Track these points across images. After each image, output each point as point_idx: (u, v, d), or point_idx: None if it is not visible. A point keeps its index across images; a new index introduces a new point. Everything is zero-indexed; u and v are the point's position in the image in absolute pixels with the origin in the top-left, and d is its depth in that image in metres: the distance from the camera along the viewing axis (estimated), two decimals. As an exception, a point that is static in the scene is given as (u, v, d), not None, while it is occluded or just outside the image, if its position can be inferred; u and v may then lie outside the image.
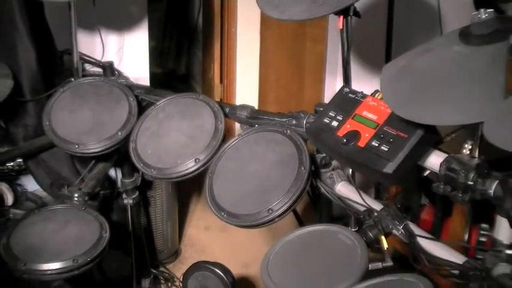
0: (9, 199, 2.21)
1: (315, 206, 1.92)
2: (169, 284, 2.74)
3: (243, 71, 4.06)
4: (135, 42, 2.67)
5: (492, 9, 1.21)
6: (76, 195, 1.94)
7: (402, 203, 2.46)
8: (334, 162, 1.75)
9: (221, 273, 1.99)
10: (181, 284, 2.65)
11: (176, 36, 5.22)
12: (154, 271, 2.65)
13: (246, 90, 3.97)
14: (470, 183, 1.27)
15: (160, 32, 5.13)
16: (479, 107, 1.10)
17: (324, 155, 1.72)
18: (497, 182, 1.23)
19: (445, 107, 1.17)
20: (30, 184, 2.41)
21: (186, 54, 5.24)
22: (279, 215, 1.53)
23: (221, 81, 4.17)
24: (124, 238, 2.51)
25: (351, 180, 1.73)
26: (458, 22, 1.41)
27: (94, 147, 1.91)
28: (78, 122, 1.95)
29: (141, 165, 1.82)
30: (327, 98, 3.09)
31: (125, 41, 2.63)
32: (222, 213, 1.60)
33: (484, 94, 1.11)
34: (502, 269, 1.19)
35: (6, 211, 2.17)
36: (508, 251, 1.21)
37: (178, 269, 2.79)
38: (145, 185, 2.65)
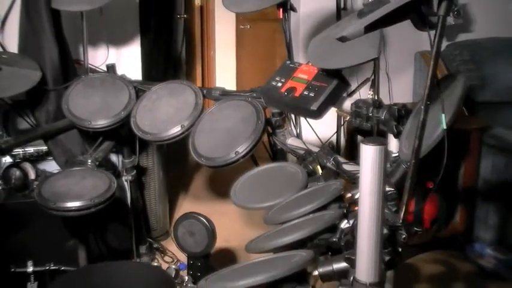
0: (32, 174, 2.69)
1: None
2: (163, 255, 3.24)
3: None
4: (129, 53, 3.20)
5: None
6: (89, 160, 2.46)
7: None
8: (286, 125, 2.34)
9: (204, 220, 2.49)
10: (172, 255, 3.17)
11: (162, 66, 5.74)
12: (149, 240, 3.15)
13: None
14: (370, 114, 1.85)
15: (148, 62, 5.64)
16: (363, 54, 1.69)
17: (278, 118, 2.30)
18: (386, 110, 1.81)
19: (344, 57, 1.76)
20: (46, 168, 2.91)
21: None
22: (243, 156, 2.05)
23: (203, 97, 4.71)
24: (124, 213, 3.01)
25: (298, 135, 2.31)
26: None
27: (102, 123, 2.40)
28: (90, 105, 2.46)
29: (140, 133, 2.33)
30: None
31: (121, 52, 3.20)
32: (202, 159, 2.11)
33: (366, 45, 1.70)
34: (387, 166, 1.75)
35: (30, 183, 2.67)
36: (394, 155, 1.77)
37: (170, 245, 3.25)
38: (141, 171, 3.18)
